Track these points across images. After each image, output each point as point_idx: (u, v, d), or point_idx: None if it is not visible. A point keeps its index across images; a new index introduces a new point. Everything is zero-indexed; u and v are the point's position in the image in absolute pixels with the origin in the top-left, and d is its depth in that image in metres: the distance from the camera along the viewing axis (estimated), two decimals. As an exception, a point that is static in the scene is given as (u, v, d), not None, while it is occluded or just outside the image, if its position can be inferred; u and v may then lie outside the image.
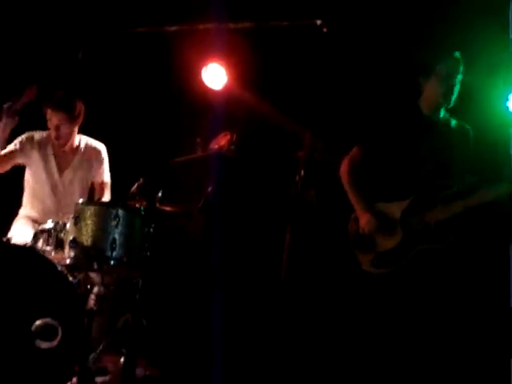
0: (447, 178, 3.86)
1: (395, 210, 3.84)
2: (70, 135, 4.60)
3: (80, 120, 4.63)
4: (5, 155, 4.52)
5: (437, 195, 3.78)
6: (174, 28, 5.53)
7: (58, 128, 4.50)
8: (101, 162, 4.74)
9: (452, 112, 4.01)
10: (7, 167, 4.59)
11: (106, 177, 4.81)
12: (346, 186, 3.99)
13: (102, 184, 4.72)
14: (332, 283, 4.91)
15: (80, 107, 4.59)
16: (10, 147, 4.55)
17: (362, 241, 3.88)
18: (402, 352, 3.72)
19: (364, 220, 3.84)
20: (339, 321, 4.75)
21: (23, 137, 4.62)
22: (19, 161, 4.61)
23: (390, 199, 3.88)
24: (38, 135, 4.66)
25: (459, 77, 3.87)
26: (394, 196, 3.87)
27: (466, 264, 4.27)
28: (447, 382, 3.84)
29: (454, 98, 3.90)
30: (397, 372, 3.71)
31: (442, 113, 3.97)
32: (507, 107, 4.38)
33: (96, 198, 4.66)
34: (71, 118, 4.53)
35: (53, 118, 4.48)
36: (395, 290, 3.80)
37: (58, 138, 4.54)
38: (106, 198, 4.76)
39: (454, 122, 4.00)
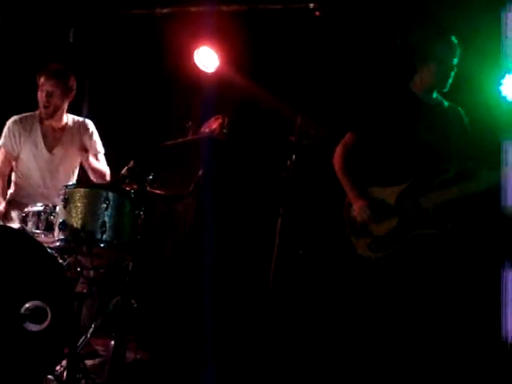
0: (443, 162, 3.83)
1: (390, 194, 3.81)
2: (59, 107, 4.56)
3: (71, 95, 4.61)
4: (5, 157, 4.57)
5: (433, 179, 3.76)
6: (165, 10, 5.51)
7: (49, 95, 4.47)
8: (90, 134, 4.67)
9: (445, 96, 3.99)
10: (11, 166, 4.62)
11: (100, 148, 4.74)
12: (339, 173, 3.96)
13: (93, 167, 4.65)
14: (324, 267, 4.90)
15: (73, 81, 4.59)
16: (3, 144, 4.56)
17: (357, 226, 3.86)
18: (399, 338, 3.72)
19: (357, 207, 3.82)
20: (335, 307, 4.74)
21: (8, 125, 4.58)
22: (13, 149, 4.57)
23: (385, 184, 3.86)
24: (20, 118, 4.61)
25: (456, 61, 3.85)
26: (389, 180, 3.84)
27: (463, 251, 4.25)
28: (444, 367, 3.85)
29: (449, 82, 3.88)
30: (395, 359, 3.70)
31: (435, 94, 3.95)
32: (500, 91, 4.36)
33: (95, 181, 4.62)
34: (64, 88, 4.52)
35: (46, 85, 4.46)
36: (391, 274, 3.79)
37: (48, 105, 4.50)
38: (104, 168, 4.70)
39: (446, 104, 3.97)
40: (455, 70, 3.85)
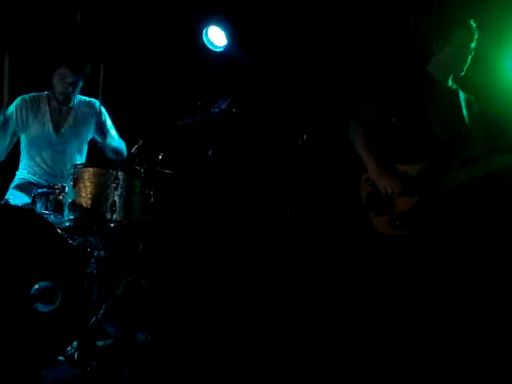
0: (460, 142, 3.78)
1: (412, 171, 3.75)
2: (74, 88, 4.54)
3: (86, 72, 4.60)
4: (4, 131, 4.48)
5: (453, 158, 3.70)
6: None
7: (72, 85, 4.47)
8: (99, 114, 4.62)
9: (461, 79, 3.93)
10: (10, 140, 4.53)
11: (111, 124, 4.70)
12: (360, 148, 3.86)
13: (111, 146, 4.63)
14: (340, 245, 4.84)
15: (85, 59, 4.59)
16: (6, 115, 4.46)
17: (377, 202, 3.79)
18: (417, 318, 3.68)
19: (385, 181, 3.73)
20: (352, 287, 4.68)
21: (15, 103, 4.53)
22: (17, 129, 4.52)
23: (406, 161, 3.79)
24: (30, 97, 4.57)
25: (473, 45, 3.80)
26: (409, 158, 3.78)
27: (485, 232, 4.18)
28: (457, 350, 3.80)
29: (466, 66, 3.83)
30: (410, 343, 3.66)
31: (450, 82, 3.91)
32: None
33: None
34: (84, 79, 4.53)
35: (69, 77, 4.44)
36: (412, 253, 3.73)
37: (68, 94, 4.50)
38: (121, 145, 4.67)
39: (461, 93, 3.94)
40: (472, 53, 3.80)
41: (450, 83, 3.93)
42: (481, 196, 3.69)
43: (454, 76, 3.92)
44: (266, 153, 5.29)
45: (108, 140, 4.57)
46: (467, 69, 3.85)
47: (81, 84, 4.55)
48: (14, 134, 4.53)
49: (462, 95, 3.95)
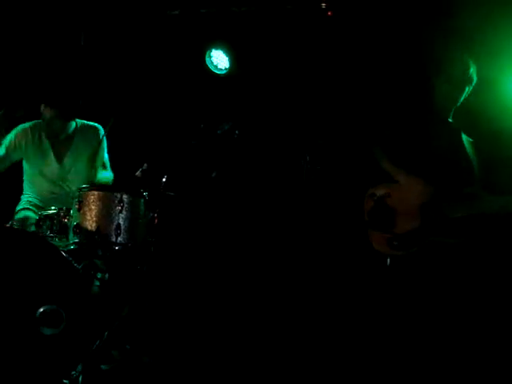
0: (470, 178, 3.79)
1: (418, 195, 3.76)
2: (62, 129, 4.45)
3: (73, 116, 4.50)
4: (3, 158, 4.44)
5: (461, 189, 3.71)
6: (176, 12, 5.49)
7: (49, 123, 4.38)
8: (100, 139, 4.48)
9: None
10: (5, 166, 4.49)
11: (106, 155, 4.64)
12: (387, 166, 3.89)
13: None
14: (335, 257, 4.82)
15: (74, 103, 4.46)
16: (5, 144, 4.42)
17: (378, 219, 3.79)
18: (402, 340, 3.68)
19: (421, 187, 3.73)
20: (342, 300, 4.67)
21: (15, 132, 4.47)
22: (16, 157, 4.51)
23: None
24: (30, 126, 4.51)
25: (470, 84, 3.82)
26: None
27: (480, 265, 4.17)
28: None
29: (461, 100, 3.85)
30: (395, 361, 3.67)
31: (451, 117, 3.93)
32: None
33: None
34: (63, 115, 4.40)
35: (45, 113, 4.35)
36: (404, 277, 3.74)
37: (50, 134, 4.44)
38: (110, 177, 4.60)
39: (462, 133, 3.95)
40: (470, 89, 3.82)
41: (450, 118, 3.93)
42: (477, 231, 3.70)
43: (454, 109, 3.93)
44: (268, 174, 5.30)
45: (99, 175, 4.47)
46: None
47: (72, 123, 4.49)
48: (14, 159, 4.51)
49: (463, 135, 3.93)
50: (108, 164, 4.65)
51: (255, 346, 4.43)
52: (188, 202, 4.75)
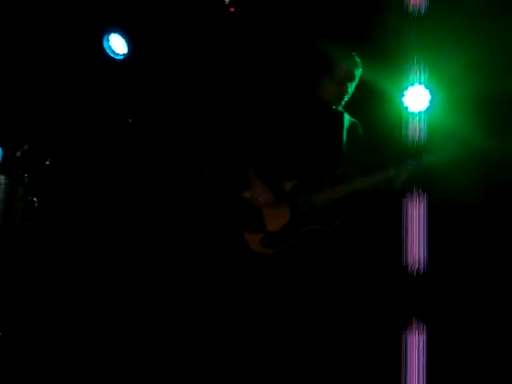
0: (335, 161, 3.89)
1: (287, 188, 3.84)
2: None
3: None
4: None
5: (323, 177, 3.82)
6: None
7: None
8: None
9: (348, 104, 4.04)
10: None
11: None
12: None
13: None
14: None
15: None
16: None
17: (249, 219, 3.85)
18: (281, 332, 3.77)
19: (258, 189, 3.81)
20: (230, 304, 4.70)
21: None
22: None
23: (280, 179, 3.88)
24: None
25: (354, 83, 3.93)
26: (283, 176, 3.87)
27: (352, 249, 4.31)
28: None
29: (344, 101, 3.95)
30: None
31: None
32: (402, 103, 4.46)
33: None
34: None
35: None
36: (283, 269, 3.81)
37: None
38: None
39: (346, 116, 4.05)
40: (352, 90, 3.92)
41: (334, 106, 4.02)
42: (350, 214, 3.84)
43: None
44: (159, 164, 5.25)
45: None
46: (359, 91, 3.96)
47: None
48: None
49: (346, 118, 4.05)
50: None
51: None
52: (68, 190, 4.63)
